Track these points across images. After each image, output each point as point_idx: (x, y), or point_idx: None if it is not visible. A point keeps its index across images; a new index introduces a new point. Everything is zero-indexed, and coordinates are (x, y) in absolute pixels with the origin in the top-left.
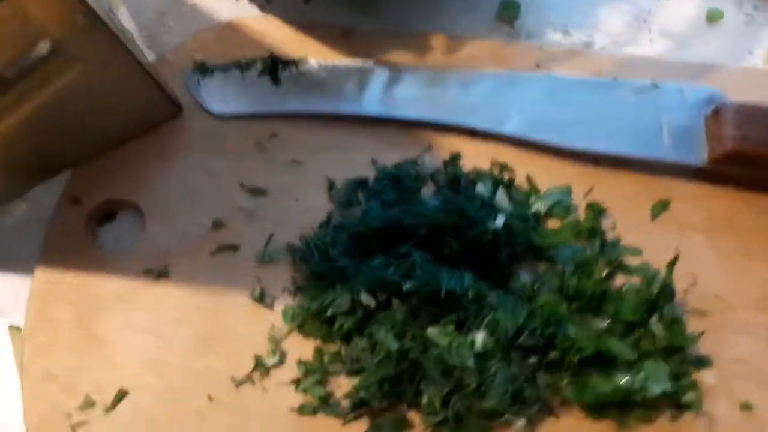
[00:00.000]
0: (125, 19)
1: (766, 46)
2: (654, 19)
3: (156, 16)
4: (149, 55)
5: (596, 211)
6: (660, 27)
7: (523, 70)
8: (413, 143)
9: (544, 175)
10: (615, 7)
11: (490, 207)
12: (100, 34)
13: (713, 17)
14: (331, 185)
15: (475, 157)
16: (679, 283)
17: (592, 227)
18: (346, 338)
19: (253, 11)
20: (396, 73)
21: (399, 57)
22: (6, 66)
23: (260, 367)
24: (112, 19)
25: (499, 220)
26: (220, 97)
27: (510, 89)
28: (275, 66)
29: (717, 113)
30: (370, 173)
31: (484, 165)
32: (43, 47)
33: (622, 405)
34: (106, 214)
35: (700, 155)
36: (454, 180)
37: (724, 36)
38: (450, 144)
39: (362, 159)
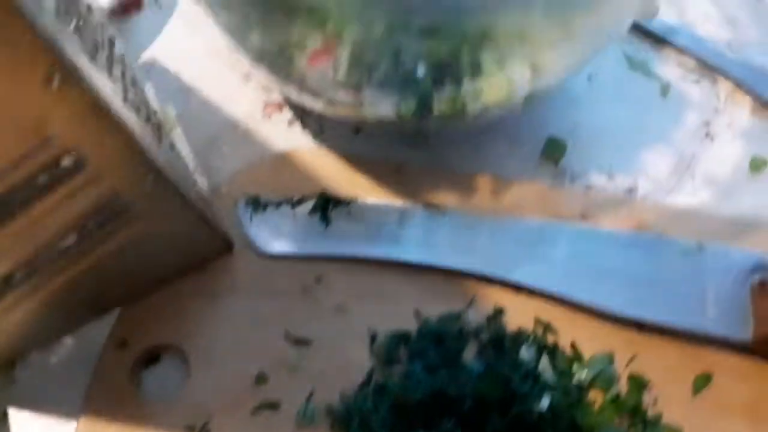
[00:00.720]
0: (181, 142)
1: None
2: (697, 165)
3: (208, 141)
4: (202, 183)
5: (639, 384)
6: (703, 174)
7: (568, 218)
8: (457, 294)
9: (587, 337)
10: (659, 150)
11: (534, 378)
12: (166, 194)
13: (756, 166)
14: (373, 338)
15: (520, 312)
16: None
17: (635, 405)
18: None
19: (306, 139)
20: (438, 216)
21: (446, 197)
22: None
23: None
24: (172, 163)
25: (545, 401)
26: (271, 234)
27: (553, 242)
28: (326, 205)
29: (764, 287)
30: (414, 324)
31: (528, 322)
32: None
33: None
34: (151, 357)
35: (745, 330)
36: (498, 339)
37: None
38: (494, 297)
39: (406, 309)
